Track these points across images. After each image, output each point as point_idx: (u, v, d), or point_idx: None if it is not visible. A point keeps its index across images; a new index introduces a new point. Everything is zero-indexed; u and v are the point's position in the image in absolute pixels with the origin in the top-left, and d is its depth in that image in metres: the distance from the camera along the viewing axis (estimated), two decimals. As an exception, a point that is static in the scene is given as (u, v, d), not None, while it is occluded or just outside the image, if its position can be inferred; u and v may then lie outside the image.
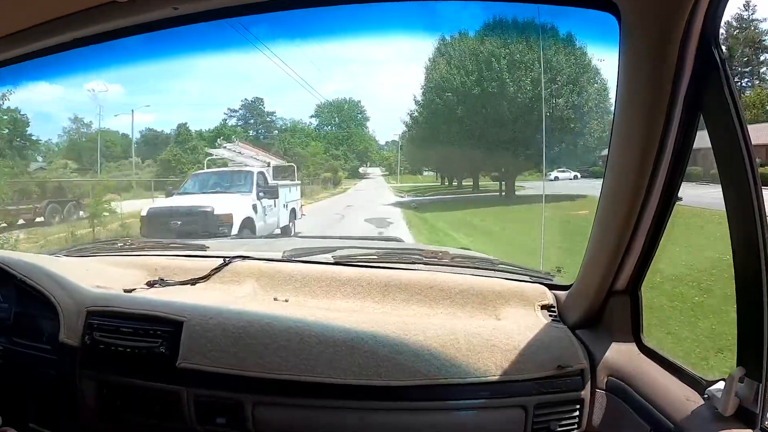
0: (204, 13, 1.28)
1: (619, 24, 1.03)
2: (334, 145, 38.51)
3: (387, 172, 39.98)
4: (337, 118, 40.03)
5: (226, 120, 36.16)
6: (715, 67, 0.97)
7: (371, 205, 20.02)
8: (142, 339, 1.53)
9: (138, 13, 1.25)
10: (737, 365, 1.02)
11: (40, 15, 1.28)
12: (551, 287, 1.72)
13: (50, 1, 1.23)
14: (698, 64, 0.99)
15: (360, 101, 40.60)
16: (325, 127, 40.16)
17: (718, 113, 0.98)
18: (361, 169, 40.78)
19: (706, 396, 1.11)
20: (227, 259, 1.89)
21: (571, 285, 1.62)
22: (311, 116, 41.20)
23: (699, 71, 1.00)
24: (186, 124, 35.73)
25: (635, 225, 1.23)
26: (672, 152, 1.11)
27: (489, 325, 1.54)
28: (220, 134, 34.28)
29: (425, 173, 35.91)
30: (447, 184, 30.16)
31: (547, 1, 1.13)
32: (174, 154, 33.38)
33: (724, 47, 0.99)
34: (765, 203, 0.94)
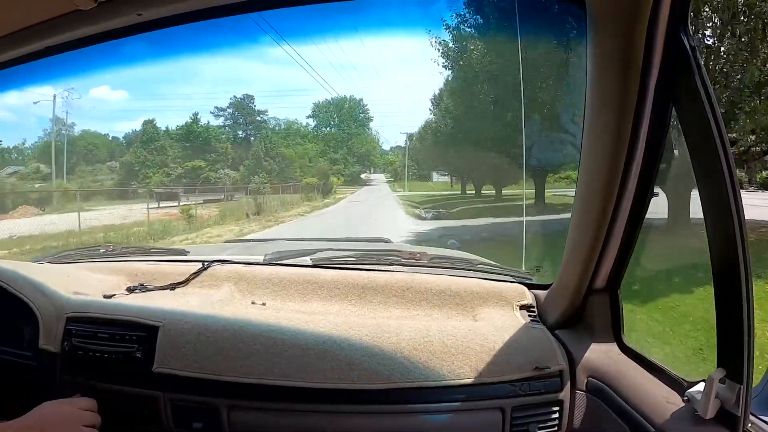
0: (168, 18, 1.27)
1: (584, 13, 1.00)
2: (332, 147, 36.44)
3: (392, 178, 37.75)
4: (336, 118, 37.55)
5: (207, 120, 33.72)
6: (685, 54, 0.94)
7: (365, 228, 16.24)
8: (118, 344, 1.52)
9: (102, 21, 1.24)
10: (717, 366, 0.99)
11: (4, 27, 1.28)
12: (531, 287, 1.70)
13: (13, 13, 1.22)
14: (667, 51, 0.97)
15: (362, 99, 38.42)
16: (324, 129, 37.79)
17: (689, 103, 0.95)
18: (363, 175, 38.51)
19: (686, 398, 1.08)
20: (206, 263, 1.88)
21: (550, 284, 1.60)
22: (308, 116, 38.77)
23: (668, 59, 0.97)
24: (153, 120, 33.17)
25: (611, 221, 1.20)
26: (645, 145, 1.08)
27: (465, 326, 1.51)
28: (190, 132, 32.28)
29: (436, 179, 34.03)
30: (462, 190, 28.21)
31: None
32: (137, 156, 30.90)
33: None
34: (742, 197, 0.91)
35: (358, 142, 37.61)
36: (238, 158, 33.43)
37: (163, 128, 33.42)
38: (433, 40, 14.44)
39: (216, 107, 35.52)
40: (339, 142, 37.32)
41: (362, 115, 38.88)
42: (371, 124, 39.74)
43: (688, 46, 0.93)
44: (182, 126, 33.38)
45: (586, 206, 1.23)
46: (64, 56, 1.45)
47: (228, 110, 35.75)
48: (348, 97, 37.94)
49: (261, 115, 36.76)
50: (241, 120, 35.79)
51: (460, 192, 28.72)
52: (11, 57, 1.42)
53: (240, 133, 36.30)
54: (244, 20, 1.34)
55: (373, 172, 40.42)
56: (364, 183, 37.72)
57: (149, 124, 32.54)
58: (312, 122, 38.40)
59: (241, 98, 35.61)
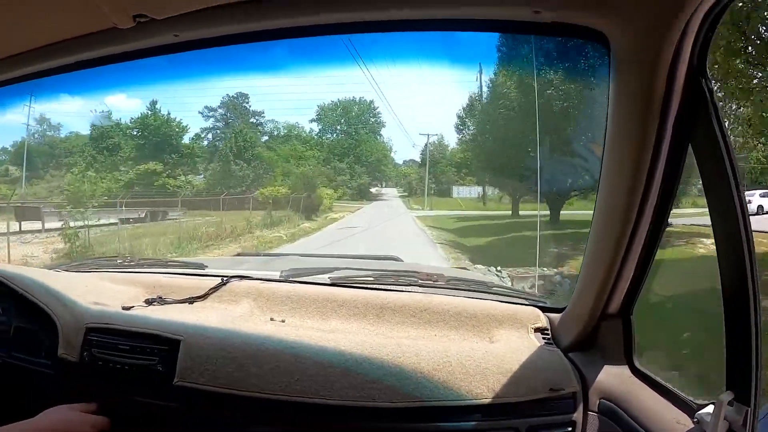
0: (203, 41, 1.32)
1: (608, 54, 1.06)
2: (337, 155, 32.22)
3: (406, 193, 33.64)
4: (343, 122, 33.32)
5: (167, 111, 27.97)
6: (703, 97, 1.00)
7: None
8: (139, 356, 1.54)
9: (138, 39, 1.28)
10: (726, 389, 1.03)
11: (40, 39, 1.32)
12: (545, 310, 1.73)
13: (49, 26, 1.27)
14: (686, 94, 1.02)
15: (372, 101, 33.68)
16: (328, 135, 33.62)
17: (706, 143, 1.01)
18: (374, 189, 34.05)
19: (695, 420, 1.12)
20: (225, 278, 1.90)
21: (564, 308, 1.64)
22: (311, 120, 34.63)
23: (687, 101, 1.03)
24: (109, 113, 27.48)
25: (626, 250, 1.24)
26: (662, 180, 1.13)
27: (482, 347, 1.55)
28: (145, 126, 26.62)
29: (456, 194, 30.79)
30: (514, 210, 21.84)
31: (538, 33, 1.16)
32: (85, 156, 24.97)
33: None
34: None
35: (367, 149, 33.35)
36: (206, 161, 29.14)
37: (122, 121, 28.20)
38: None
39: (206, 107, 31.32)
40: (345, 149, 32.95)
41: (373, 120, 35.01)
42: (383, 132, 35.67)
43: (706, 89, 0.99)
44: (137, 119, 28.06)
45: (602, 235, 1.27)
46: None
47: (219, 110, 31.90)
48: (357, 99, 34.02)
49: (256, 117, 33.21)
50: (234, 122, 31.86)
51: (504, 211, 22.85)
52: (42, 69, 1.47)
53: (216, 129, 31.37)
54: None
55: (385, 186, 36.45)
56: (374, 197, 33.75)
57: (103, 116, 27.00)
58: (316, 127, 34.57)
59: (234, 97, 31.57)
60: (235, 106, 31.12)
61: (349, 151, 33.06)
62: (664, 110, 1.04)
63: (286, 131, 33.81)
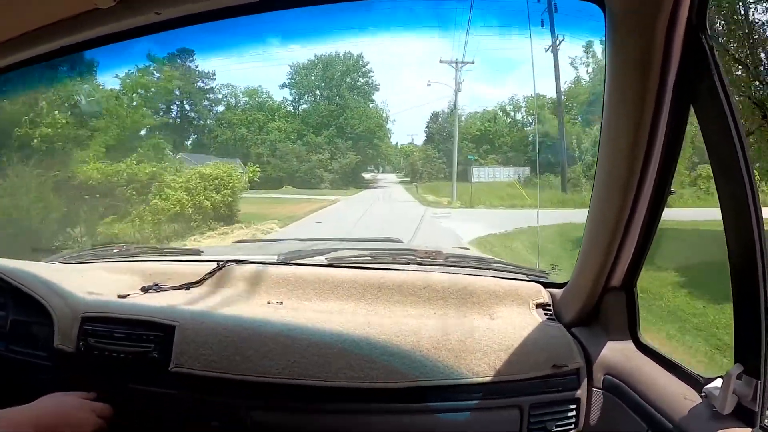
0: (187, 17, 1.28)
1: (604, 14, 1.02)
2: (312, 127, 24.42)
3: (408, 178, 26.16)
4: (323, 85, 25.20)
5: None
6: (704, 54, 0.95)
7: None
8: (135, 344, 1.53)
9: (120, 19, 1.24)
10: (735, 362, 1.00)
11: (21, 26, 1.29)
12: (546, 285, 1.71)
13: (32, 12, 1.23)
14: (686, 52, 0.98)
15: (361, 55, 25.13)
16: (305, 105, 25.55)
17: (708, 102, 0.97)
18: (368, 174, 26.70)
19: (703, 394, 1.09)
20: (221, 263, 1.88)
21: (566, 282, 1.61)
22: (282, 85, 25.92)
23: (687, 60, 0.99)
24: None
25: (628, 219, 1.21)
26: (663, 144, 1.09)
27: (483, 325, 1.53)
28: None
29: (479, 177, 22.73)
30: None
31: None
32: None
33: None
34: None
35: (354, 117, 24.81)
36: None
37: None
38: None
39: (138, 67, 19.98)
40: (324, 118, 24.77)
41: (362, 81, 26.09)
42: (376, 97, 26.45)
43: (706, 46, 0.95)
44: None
45: (603, 204, 1.24)
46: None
47: (155, 74, 20.76)
48: (341, 54, 25.38)
49: (204, 80, 24.65)
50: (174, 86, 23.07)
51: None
52: (28, 56, 1.43)
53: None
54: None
55: (382, 172, 28.46)
56: (367, 185, 26.04)
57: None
58: (290, 94, 26.11)
59: (176, 54, 21.16)
60: (176, 68, 22.71)
61: (330, 120, 24.78)
62: (663, 71, 1.00)
63: (246, 99, 25.77)
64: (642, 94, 1.03)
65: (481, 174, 23.58)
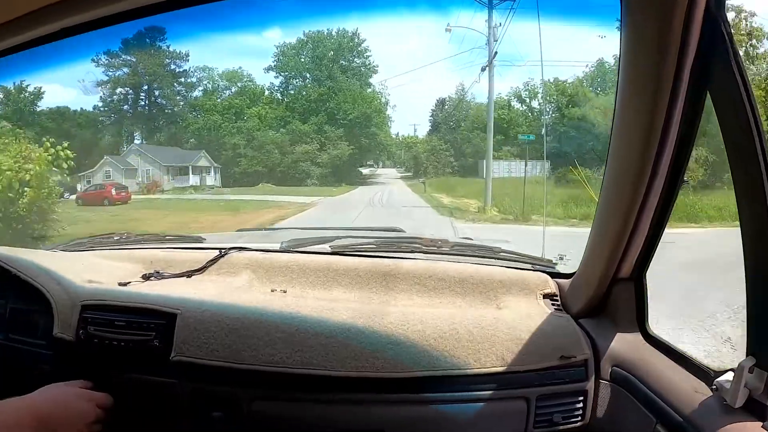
0: (162, 4, 1.23)
1: None
2: (298, 113, 21.28)
3: (411, 173, 23.01)
4: (310, 62, 22.02)
5: None
6: (722, 41, 0.93)
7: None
8: (135, 332, 1.52)
9: (95, 7, 1.20)
10: (747, 355, 0.98)
11: (22, 7, 1.26)
12: (554, 275, 1.69)
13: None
14: (704, 38, 0.95)
15: (357, 32, 21.88)
16: (291, 88, 22.26)
17: (725, 88, 0.94)
18: (366, 169, 23.77)
19: (714, 387, 1.07)
20: (223, 250, 1.87)
21: (574, 273, 1.60)
22: (267, 69, 22.36)
23: (705, 46, 0.96)
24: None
25: (640, 209, 1.19)
26: (677, 132, 1.07)
27: (490, 315, 1.51)
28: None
29: (499, 172, 18.41)
30: None
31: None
32: None
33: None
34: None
35: (346, 100, 21.47)
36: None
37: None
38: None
39: (106, 53, 19.73)
40: (311, 103, 21.50)
41: (357, 61, 22.74)
42: (373, 80, 22.99)
43: (725, 32, 0.92)
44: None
45: (615, 192, 1.22)
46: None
47: (121, 56, 20.59)
48: (333, 32, 22.24)
49: (176, 62, 21.88)
50: (142, 67, 21.34)
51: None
52: (28, 38, 1.40)
53: (120, 85, 20.89)
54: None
55: (382, 167, 25.25)
56: (364, 181, 22.85)
57: None
58: (276, 77, 22.71)
59: (144, 32, 18.53)
60: (145, 51, 20.91)
61: (319, 106, 21.31)
62: (680, 56, 0.98)
63: (226, 83, 22.58)
64: (658, 79, 1.01)
65: (495, 168, 19.02)
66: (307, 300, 1.62)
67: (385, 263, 1.77)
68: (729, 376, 1.04)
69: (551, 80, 21.41)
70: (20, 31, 1.25)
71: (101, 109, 21.10)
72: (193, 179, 19.15)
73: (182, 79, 22.02)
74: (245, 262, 1.83)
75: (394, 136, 24.03)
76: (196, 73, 22.25)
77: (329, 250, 1.89)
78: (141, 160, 19.52)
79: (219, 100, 21.63)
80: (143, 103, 21.77)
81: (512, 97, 22.74)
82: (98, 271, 1.78)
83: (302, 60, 22.42)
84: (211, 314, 1.49)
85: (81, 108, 20.80)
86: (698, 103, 1.03)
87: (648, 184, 1.14)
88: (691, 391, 1.13)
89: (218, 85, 22.51)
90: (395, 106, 23.02)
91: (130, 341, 1.51)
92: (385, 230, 2.45)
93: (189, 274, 1.80)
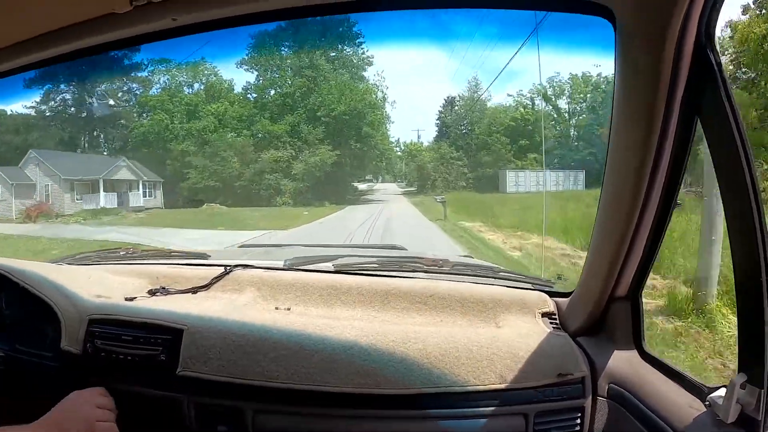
0: (201, 24, 1.30)
1: (614, 28, 1.05)
2: (269, 111, 16.70)
3: (416, 189, 18.76)
4: (287, 48, 16.94)
5: None
6: (711, 70, 0.98)
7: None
8: (142, 347, 1.54)
9: (136, 24, 1.27)
10: (738, 371, 1.01)
11: (38, 27, 1.31)
12: (552, 294, 1.72)
13: (47, 14, 1.25)
14: (694, 67, 1.00)
15: (347, 17, 15.08)
16: (271, 90, 17.75)
17: (715, 117, 0.99)
18: (363, 185, 19.46)
19: (707, 403, 1.10)
20: (228, 267, 1.89)
21: (571, 292, 1.63)
22: (239, 63, 17.82)
23: (695, 75, 1.01)
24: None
25: (635, 231, 1.23)
26: (670, 157, 1.12)
27: (489, 333, 1.53)
28: None
29: (524, 186, 16.25)
30: None
31: (541, 8, 1.14)
32: None
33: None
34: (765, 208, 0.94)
35: (329, 92, 16.69)
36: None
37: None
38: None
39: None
40: (286, 98, 16.86)
41: (348, 49, 18.04)
42: (367, 74, 18.61)
43: (714, 62, 0.97)
44: None
45: (611, 215, 1.26)
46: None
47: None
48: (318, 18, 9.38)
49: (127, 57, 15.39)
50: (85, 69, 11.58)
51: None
52: (41, 58, 1.45)
53: (62, 82, 15.75)
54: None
55: (381, 181, 20.63)
56: (357, 199, 18.09)
57: None
58: (251, 72, 18.39)
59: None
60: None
61: (296, 102, 16.61)
62: (672, 85, 1.02)
63: (187, 78, 18.02)
64: (651, 107, 1.05)
65: (520, 181, 16.48)
66: (310, 318, 1.63)
67: (387, 282, 1.79)
68: (722, 392, 1.07)
69: (579, 75, 19.11)
70: None
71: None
72: (107, 199, 13.28)
73: (133, 73, 17.19)
74: (250, 280, 1.85)
75: (393, 142, 19.16)
76: (160, 64, 17.71)
77: (332, 268, 1.92)
78: (40, 171, 14.67)
79: (167, 97, 17.39)
80: (70, 99, 17.40)
81: (535, 95, 19.74)
82: (105, 285, 1.80)
83: (284, 51, 17.65)
84: (216, 330, 1.51)
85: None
86: (689, 130, 1.08)
87: (642, 207, 1.18)
88: (685, 407, 1.16)
89: (177, 82, 18.24)
90: (395, 102, 17.90)
91: (137, 355, 1.53)
92: (387, 248, 2.48)
93: (194, 290, 1.82)
